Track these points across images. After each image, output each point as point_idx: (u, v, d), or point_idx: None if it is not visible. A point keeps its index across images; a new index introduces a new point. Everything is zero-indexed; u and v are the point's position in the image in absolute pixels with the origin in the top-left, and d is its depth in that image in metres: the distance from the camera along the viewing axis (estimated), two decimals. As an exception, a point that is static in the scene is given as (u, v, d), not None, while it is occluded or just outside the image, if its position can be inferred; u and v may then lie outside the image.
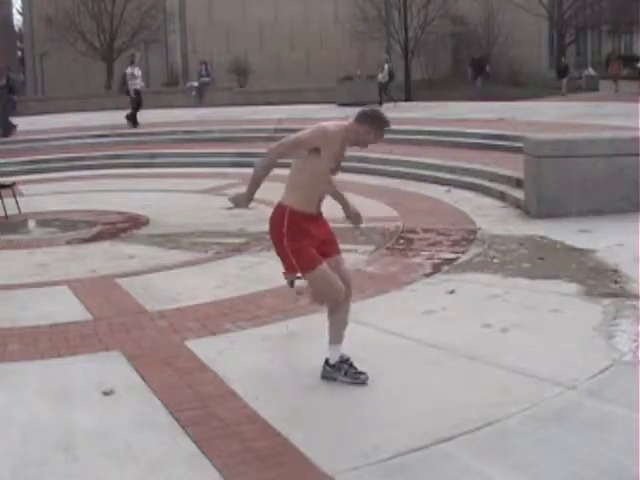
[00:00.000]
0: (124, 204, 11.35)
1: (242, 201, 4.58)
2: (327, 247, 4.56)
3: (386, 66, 25.93)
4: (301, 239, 4.43)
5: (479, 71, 29.88)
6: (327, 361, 4.65)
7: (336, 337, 4.66)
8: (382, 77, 25.65)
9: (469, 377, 4.58)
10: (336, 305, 4.59)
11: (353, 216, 4.83)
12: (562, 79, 33.06)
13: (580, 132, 12.09)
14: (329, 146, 4.40)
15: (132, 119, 20.36)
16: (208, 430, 3.99)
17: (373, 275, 6.95)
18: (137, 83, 20.73)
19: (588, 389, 4.30)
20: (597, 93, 31.79)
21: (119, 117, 20.80)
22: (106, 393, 4.50)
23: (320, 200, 4.58)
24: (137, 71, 20.92)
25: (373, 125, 4.45)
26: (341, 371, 4.58)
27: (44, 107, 30.26)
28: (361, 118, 4.46)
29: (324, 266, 4.45)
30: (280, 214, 4.46)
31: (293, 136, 4.52)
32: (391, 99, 25.33)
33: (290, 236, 4.42)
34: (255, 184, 4.48)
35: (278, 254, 4.59)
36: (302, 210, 4.44)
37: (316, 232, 4.50)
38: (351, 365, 4.61)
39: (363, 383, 4.53)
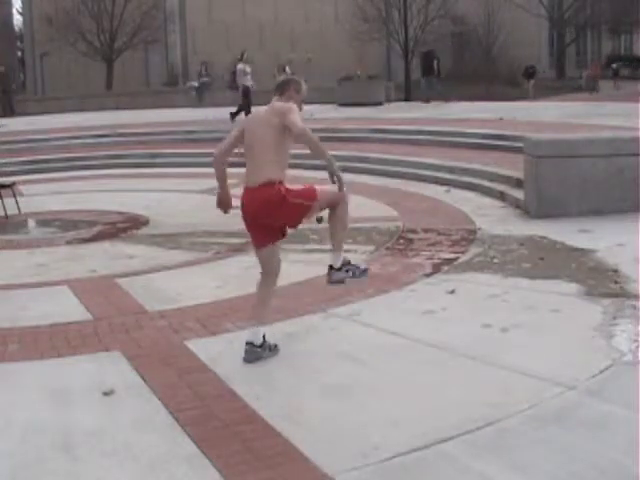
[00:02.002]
0: (124, 204, 11.35)
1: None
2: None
3: (287, 68, 24.36)
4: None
5: (426, 69, 26.88)
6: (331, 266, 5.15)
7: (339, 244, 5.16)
8: (247, 80, 24.31)
9: (469, 377, 4.58)
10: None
11: None
12: (529, 81, 32.37)
13: (580, 132, 12.08)
14: None
15: (233, 116, 19.39)
16: (208, 430, 3.99)
17: (373, 275, 6.92)
18: (248, 80, 19.90)
19: (588, 389, 4.30)
20: (597, 93, 31.81)
21: (120, 117, 20.79)
22: (106, 393, 4.50)
23: None
24: (248, 68, 20.16)
25: (297, 87, 5.17)
26: (349, 272, 5.15)
27: (44, 107, 30.28)
28: (296, 86, 5.17)
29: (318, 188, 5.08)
30: (276, 190, 4.90)
31: (303, 124, 4.89)
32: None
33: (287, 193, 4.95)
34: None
35: (282, 219, 5.02)
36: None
37: None
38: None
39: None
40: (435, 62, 26.68)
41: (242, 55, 20.94)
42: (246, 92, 19.84)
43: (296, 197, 4.96)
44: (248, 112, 18.93)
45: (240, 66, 20.38)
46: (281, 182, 4.96)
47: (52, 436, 4.01)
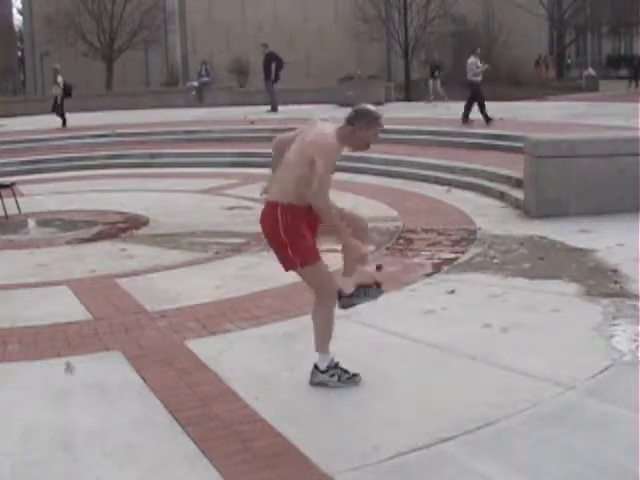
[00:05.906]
0: (124, 204, 11.34)
1: (361, 256, 4.40)
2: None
3: (60, 78, 21.51)
4: (300, 232, 4.31)
5: (265, 70, 23.51)
6: (316, 366, 4.53)
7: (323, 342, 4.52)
8: (55, 90, 21.44)
9: (469, 377, 4.58)
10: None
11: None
12: (433, 80, 26.65)
13: (580, 132, 12.08)
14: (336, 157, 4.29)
15: (484, 115, 17.28)
16: (208, 430, 3.99)
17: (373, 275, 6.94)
18: (479, 75, 18.07)
19: (588, 389, 4.30)
20: (597, 93, 31.79)
21: (119, 117, 20.73)
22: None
23: None
24: (479, 62, 18.35)
25: (362, 122, 4.27)
26: (334, 377, 4.50)
27: (44, 107, 30.22)
28: (354, 119, 4.30)
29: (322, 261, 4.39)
30: (274, 210, 4.32)
31: (326, 177, 4.20)
32: (62, 115, 21.08)
33: (287, 229, 4.29)
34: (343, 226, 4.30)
35: (273, 247, 4.45)
36: (298, 204, 4.30)
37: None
38: (342, 370, 4.52)
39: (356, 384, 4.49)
40: (273, 65, 23.43)
41: (475, 48, 18.83)
42: (477, 88, 17.82)
43: (281, 246, 4.33)
44: (484, 108, 17.28)
45: (472, 59, 18.43)
46: (287, 208, 4.27)
47: (52, 436, 4.01)
